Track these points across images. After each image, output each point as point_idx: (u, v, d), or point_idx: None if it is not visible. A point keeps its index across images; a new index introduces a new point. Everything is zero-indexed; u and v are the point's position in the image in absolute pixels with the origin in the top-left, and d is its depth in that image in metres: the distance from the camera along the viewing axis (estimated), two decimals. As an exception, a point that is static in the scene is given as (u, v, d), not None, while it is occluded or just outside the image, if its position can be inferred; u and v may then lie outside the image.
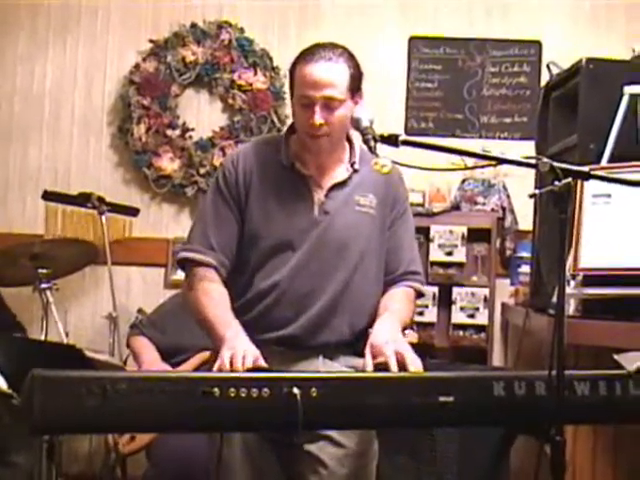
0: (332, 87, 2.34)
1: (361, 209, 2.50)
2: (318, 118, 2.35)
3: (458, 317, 4.42)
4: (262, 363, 2.14)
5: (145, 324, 3.94)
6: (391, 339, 2.24)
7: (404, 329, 2.46)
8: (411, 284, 2.57)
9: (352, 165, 2.52)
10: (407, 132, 4.66)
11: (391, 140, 2.03)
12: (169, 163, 4.71)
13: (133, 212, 4.56)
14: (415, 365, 2.17)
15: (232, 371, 2.08)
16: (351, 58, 2.42)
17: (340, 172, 2.51)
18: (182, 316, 3.80)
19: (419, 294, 2.61)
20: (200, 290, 2.42)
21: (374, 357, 2.21)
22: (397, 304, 2.49)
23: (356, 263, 2.47)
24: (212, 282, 2.42)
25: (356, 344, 2.44)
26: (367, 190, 2.51)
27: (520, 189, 4.35)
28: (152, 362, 3.75)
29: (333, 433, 2.32)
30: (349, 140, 2.54)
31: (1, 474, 2.90)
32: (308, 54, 2.39)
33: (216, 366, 2.15)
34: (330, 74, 2.35)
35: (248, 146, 2.63)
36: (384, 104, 4.59)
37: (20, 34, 4.86)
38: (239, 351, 2.14)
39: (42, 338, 3.76)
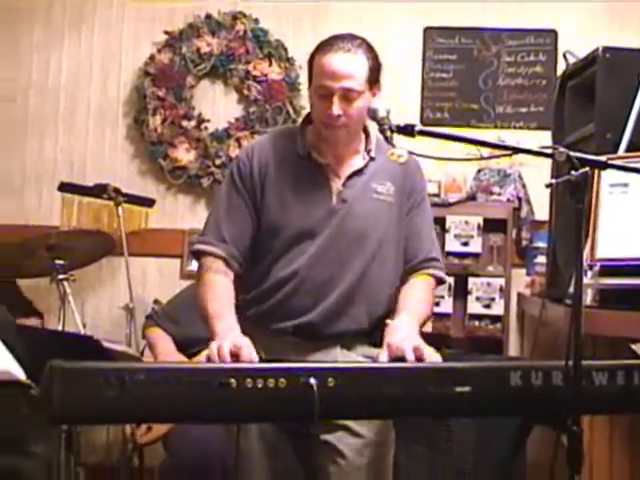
0: (351, 78, 2.33)
1: (379, 197, 2.49)
2: (336, 109, 2.35)
3: (474, 307, 4.42)
4: (245, 352, 2.11)
5: (160, 315, 3.95)
6: (408, 338, 2.24)
7: (425, 323, 2.46)
8: (431, 272, 2.55)
9: (368, 153, 2.52)
10: (423, 122, 4.65)
11: (407, 130, 2.03)
12: (185, 154, 4.72)
13: (149, 203, 4.57)
14: (433, 357, 2.17)
15: (221, 362, 2.07)
16: (370, 49, 2.40)
17: (357, 161, 2.51)
18: (196, 308, 3.81)
19: (440, 281, 2.59)
20: (205, 282, 2.43)
21: (390, 356, 2.21)
22: (416, 299, 2.47)
23: (374, 251, 2.47)
24: (217, 274, 2.43)
25: (373, 334, 2.44)
26: (385, 178, 2.51)
27: (536, 179, 4.33)
28: (168, 353, 3.76)
29: (351, 423, 2.33)
30: (365, 130, 2.54)
31: (20, 464, 2.92)
32: (326, 45, 2.38)
33: (204, 357, 2.14)
34: (349, 65, 2.34)
35: (263, 138, 2.63)
36: (400, 95, 4.58)
37: (35, 26, 4.87)
38: (226, 342, 2.13)
39: (59, 329, 3.78)
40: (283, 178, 2.47)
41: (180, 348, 3.81)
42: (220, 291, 2.40)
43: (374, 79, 2.40)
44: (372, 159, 2.51)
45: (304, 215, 2.44)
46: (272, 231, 2.46)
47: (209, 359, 2.11)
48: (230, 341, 2.14)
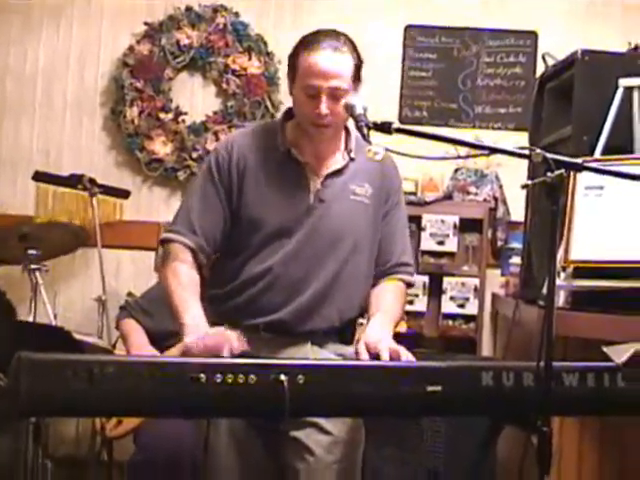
0: (339, 78, 2.33)
1: (356, 198, 2.50)
2: (324, 108, 2.34)
3: (448, 307, 4.43)
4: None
5: (134, 307, 3.92)
6: (384, 340, 2.25)
7: (396, 325, 2.47)
8: (401, 277, 2.57)
9: (348, 153, 2.51)
10: (401, 121, 4.65)
11: (384, 128, 2.02)
12: (161, 146, 4.69)
13: (124, 194, 4.55)
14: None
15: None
16: (353, 47, 2.40)
17: (337, 160, 2.51)
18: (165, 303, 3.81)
19: (408, 285, 2.61)
20: (170, 270, 2.42)
21: (369, 352, 2.22)
22: (388, 302, 2.49)
23: (349, 252, 2.47)
24: (183, 263, 2.42)
25: (344, 332, 2.44)
26: (363, 179, 2.51)
27: (513, 180, 4.34)
28: (140, 345, 3.74)
29: (321, 420, 2.32)
30: (346, 128, 2.53)
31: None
32: (312, 42, 2.36)
33: (179, 349, 2.15)
34: (337, 65, 2.33)
35: (243, 132, 2.62)
36: (378, 92, 4.57)
37: (13, 15, 4.82)
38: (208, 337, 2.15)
39: (30, 319, 3.75)
40: (262, 174, 2.46)
41: (153, 341, 3.79)
42: (186, 281, 2.39)
43: (358, 76, 2.40)
44: (352, 160, 2.51)
45: (281, 212, 2.44)
46: (249, 227, 2.45)
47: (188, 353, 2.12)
48: (210, 336, 2.16)
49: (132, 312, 3.87)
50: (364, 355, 2.21)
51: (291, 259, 2.43)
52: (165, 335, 3.76)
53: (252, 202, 2.45)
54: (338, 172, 2.50)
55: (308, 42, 2.38)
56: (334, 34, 2.39)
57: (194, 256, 2.43)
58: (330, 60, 2.33)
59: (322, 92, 2.33)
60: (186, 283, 2.38)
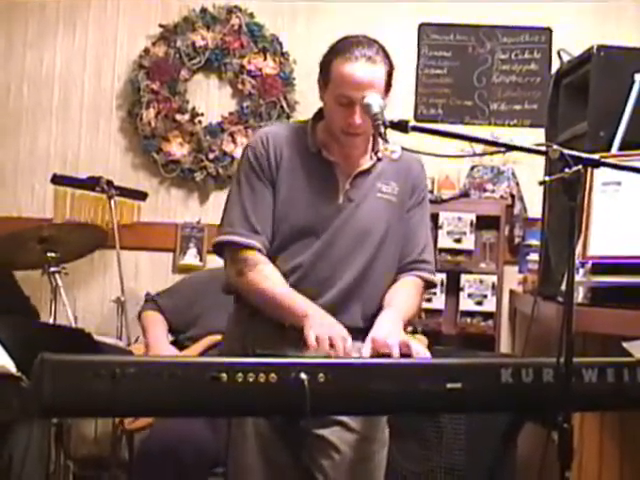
0: (373, 88, 2.30)
1: (383, 196, 2.50)
2: (358, 119, 2.34)
3: (466, 304, 4.43)
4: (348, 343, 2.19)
5: (161, 295, 3.93)
6: (393, 334, 2.25)
7: (409, 322, 2.47)
8: (420, 274, 2.56)
9: (376, 153, 2.52)
10: (417, 118, 4.65)
11: (401, 126, 2.03)
12: (178, 148, 4.71)
13: (141, 196, 4.57)
14: (421, 353, 2.18)
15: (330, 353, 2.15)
16: (385, 54, 2.39)
17: (365, 160, 2.52)
18: (197, 293, 3.85)
19: (429, 284, 2.60)
20: (258, 275, 2.40)
21: (375, 350, 2.22)
22: (403, 297, 2.49)
23: (376, 250, 2.47)
24: (265, 264, 2.41)
25: (369, 330, 2.44)
26: (390, 178, 2.52)
27: (529, 176, 4.35)
28: (158, 339, 3.74)
29: (346, 419, 2.33)
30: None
31: (10, 456, 2.92)
32: (346, 52, 2.34)
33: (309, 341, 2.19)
34: (371, 75, 2.32)
35: (274, 128, 2.62)
36: (393, 90, 4.51)
37: (29, 19, 4.86)
38: (335, 334, 2.20)
39: (51, 322, 3.78)
40: (294, 171, 2.47)
41: (175, 330, 3.80)
42: (281, 282, 2.39)
43: (390, 83, 2.40)
44: (379, 159, 2.51)
45: (311, 211, 2.44)
46: (278, 223, 2.46)
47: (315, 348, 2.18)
48: (338, 334, 2.21)
49: (157, 301, 3.87)
50: (365, 350, 2.21)
51: (319, 257, 2.44)
52: (188, 325, 3.78)
53: (283, 198, 2.46)
54: (366, 171, 2.50)
55: (341, 50, 2.36)
56: (367, 42, 2.38)
57: (263, 254, 2.43)
58: (364, 71, 2.32)
59: (355, 103, 2.32)
60: (282, 283, 2.39)
